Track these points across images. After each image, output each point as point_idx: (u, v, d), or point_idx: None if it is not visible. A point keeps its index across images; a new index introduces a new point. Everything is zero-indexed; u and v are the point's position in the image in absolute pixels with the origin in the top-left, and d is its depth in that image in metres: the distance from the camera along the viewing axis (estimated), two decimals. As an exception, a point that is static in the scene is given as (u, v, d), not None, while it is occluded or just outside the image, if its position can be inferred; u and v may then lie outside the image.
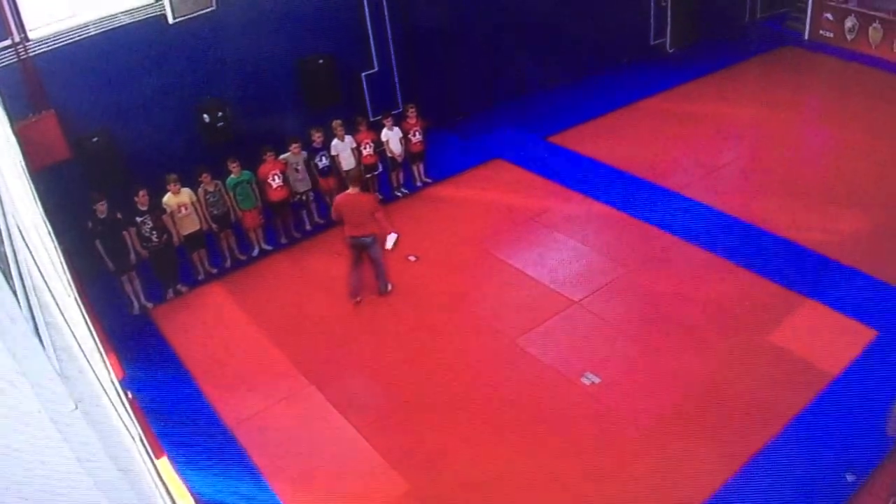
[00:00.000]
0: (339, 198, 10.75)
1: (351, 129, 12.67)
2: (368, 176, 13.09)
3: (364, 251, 10.74)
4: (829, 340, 9.59)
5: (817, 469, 7.82)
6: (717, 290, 10.69)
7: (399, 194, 13.70)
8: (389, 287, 11.08)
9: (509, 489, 7.99)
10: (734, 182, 13.60)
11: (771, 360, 9.32)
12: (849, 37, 18.30)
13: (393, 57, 14.75)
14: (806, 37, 19.16)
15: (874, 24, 17.69)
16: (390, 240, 11.59)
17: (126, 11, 11.61)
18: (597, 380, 9.20)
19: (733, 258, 11.20)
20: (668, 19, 18.73)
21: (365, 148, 12.80)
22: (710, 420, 8.57)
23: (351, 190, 10.65)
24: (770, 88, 17.15)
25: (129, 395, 7.44)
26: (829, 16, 18.62)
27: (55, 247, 7.55)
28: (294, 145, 11.97)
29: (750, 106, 16.33)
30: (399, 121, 13.29)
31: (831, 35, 18.66)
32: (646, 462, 8.14)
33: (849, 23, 18.23)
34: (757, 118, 15.83)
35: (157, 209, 10.92)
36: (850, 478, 7.70)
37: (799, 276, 10.68)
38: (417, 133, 13.32)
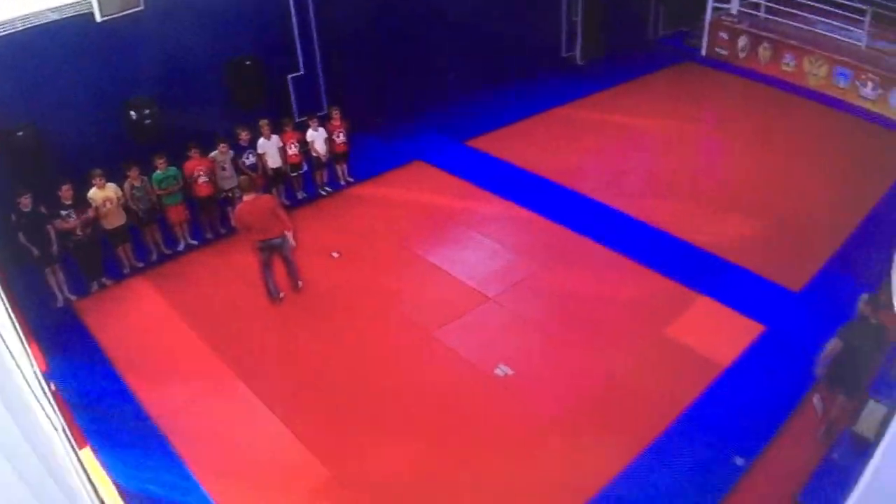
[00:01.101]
0: (239, 208, 10.28)
1: (277, 130, 12.52)
2: (294, 175, 13.03)
3: (275, 252, 10.43)
4: (720, 334, 9.90)
5: (710, 454, 8.04)
6: (621, 287, 10.91)
7: (323, 193, 13.58)
8: (300, 283, 10.87)
9: (427, 475, 7.99)
10: (637, 187, 13.90)
11: (668, 352, 9.55)
12: (741, 55, 18.94)
13: (318, 61, 14.62)
14: (703, 53, 19.75)
15: (764, 44, 18.36)
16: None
17: (53, 9, 11.14)
18: (510, 371, 9.27)
19: (636, 257, 11.44)
20: (579, 33, 19.06)
21: (290, 147, 12.67)
22: (613, 409, 8.74)
23: (247, 197, 10.16)
24: (670, 100, 17.61)
25: (52, 387, 7.19)
26: (724, 35, 19.24)
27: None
28: (222, 145, 11.74)
29: (652, 116, 16.72)
30: (324, 122, 13.17)
31: (726, 52, 19.28)
32: (552, 449, 8.24)
33: (741, 42, 18.87)
34: (658, 127, 16.23)
35: (81, 203, 10.54)
36: (738, 461, 7.95)
37: (694, 275, 10.97)
38: (341, 134, 13.23)
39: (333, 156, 13.44)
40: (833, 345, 7.71)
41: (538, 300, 10.72)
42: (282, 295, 10.74)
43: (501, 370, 9.30)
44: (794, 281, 10.78)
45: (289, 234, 10.33)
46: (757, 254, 11.43)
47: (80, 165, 10.79)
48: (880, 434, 7.12)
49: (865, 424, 7.63)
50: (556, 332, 10.07)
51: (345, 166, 13.82)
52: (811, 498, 7.18)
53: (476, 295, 10.76)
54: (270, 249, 10.35)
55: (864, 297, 7.85)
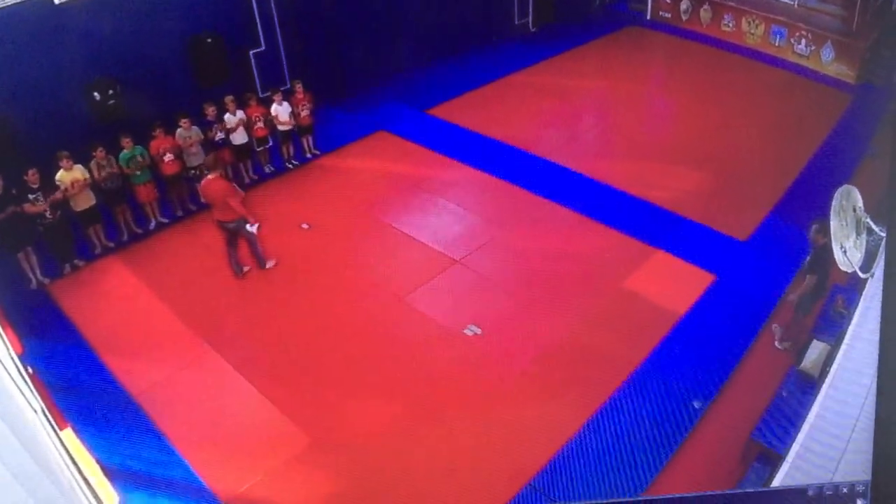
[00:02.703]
0: (202, 184, 10.32)
1: (241, 105, 12.20)
2: (260, 149, 12.73)
3: (233, 234, 10.27)
4: (675, 285, 9.92)
5: (670, 399, 8.12)
6: (579, 244, 10.86)
7: (290, 166, 13.28)
8: (269, 263, 10.59)
9: (403, 434, 7.95)
10: (592, 147, 13.84)
11: (627, 305, 9.57)
12: (684, 17, 18.83)
13: (279, 36, 14.22)
14: (648, 17, 19.59)
15: (705, 7, 18.24)
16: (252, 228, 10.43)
17: (10, -8, 10.68)
18: (479, 331, 9.21)
19: (593, 215, 11.37)
20: (531, 1, 18.82)
21: (256, 122, 12.36)
22: (577, 362, 8.73)
23: (210, 175, 10.07)
24: (618, 63, 17.46)
25: (30, 370, 6.95)
26: (667, -1, 19.13)
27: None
28: (184, 120, 11.38)
29: (602, 79, 16.59)
30: (287, 96, 12.86)
31: (669, 16, 19.15)
32: (522, 403, 8.24)
33: (683, 5, 18.73)
34: (608, 89, 16.12)
35: (49, 186, 10.20)
36: (696, 405, 8.04)
37: (647, 229, 10.95)
38: (305, 107, 12.94)
39: (298, 129, 13.13)
40: (808, 281, 7.84)
41: (502, 261, 10.63)
42: (245, 269, 10.52)
43: (471, 330, 9.23)
44: (741, 231, 10.83)
45: (250, 223, 10.16)
46: (705, 206, 11.44)
47: (46, 148, 10.40)
48: (824, 372, 7.25)
49: (809, 363, 7.74)
50: (520, 291, 10.00)
51: (310, 139, 13.52)
52: (764, 435, 7.26)
53: (443, 259, 10.64)
54: (227, 231, 10.21)
55: (815, 225, 7.93)
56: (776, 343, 8.82)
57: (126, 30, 11.92)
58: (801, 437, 4.16)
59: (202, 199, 10.48)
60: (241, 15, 13.59)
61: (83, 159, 10.60)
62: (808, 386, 7.54)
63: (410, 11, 15.98)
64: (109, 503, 6.83)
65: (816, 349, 7.90)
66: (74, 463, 4.68)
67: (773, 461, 6.74)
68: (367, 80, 15.76)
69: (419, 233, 11.25)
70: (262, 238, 10.46)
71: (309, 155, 13.57)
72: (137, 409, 8.37)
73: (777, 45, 16.87)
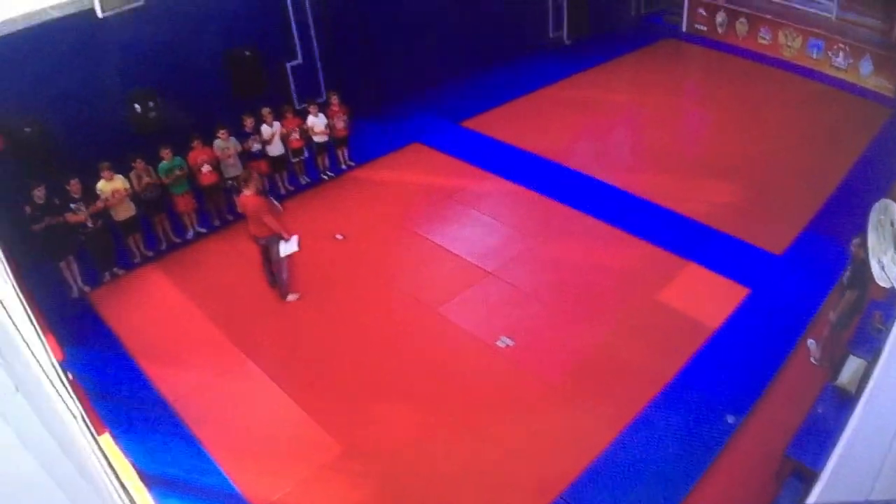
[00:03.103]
0: (239, 197, 10.32)
1: (278, 117, 12.36)
2: (296, 160, 12.88)
3: (266, 250, 10.18)
4: (708, 298, 9.85)
5: (702, 414, 8.03)
6: (612, 257, 10.83)
7: (325, 177, 13.43)
8: (291, 297, 10.32)
9: (433, 444, 7.94)
10: (625, 160, 13.84)
11: (660, 318, 9.51)
12: (720, 30, 18.76)
13: (316, 49, 14.44)
14: (683, 30, 19.57)
15: (741, 19, 18.18)
16: (285, 247, 9.95)
17: (55, 6, 10.94)
18: (511, 342, 9.20)
19: (626, 228, 11.36)
20: (565, 14, 18.88)
21: (292, 133, 12.51)
22: (609, 375, 8.69)
23: (245, 191, 9.87)
24: (653, 75, 17.47)
25: (70, 376, 7.10)
26: (702, 11, 19.04)
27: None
28: (222, 131, 11.54)
29: (637, 92, 16.61)
30: (323, 108, 12.99)
31: (705, 28, 19.10)
32: (553, 415, 8.20)
33: (719, 17, 18.67)
34: (642, 102, 16.12)
35: (90, 196, 10.37)
36: (730, 419, 7.94)
37: (681, 242, 10.91)
38: (341, 119, 13.05)
39: (334, 140, 13.27)
40: (848, 296, 7.76)
41: (535, 272, 10.62)
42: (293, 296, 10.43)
43: (503, 342, 9.22)
44: (776, 245, 10.74)
45: (284, 245, 9.89)
46: (740, 220, 11.38)
47: (88, 159, 10.60)
48: (860, 388, 7.11)
49: (847, 378, 7.61)
50: (553, 303, 9.98)
51: (345, 150, 13.66)
52: (799, 451, 7.14)
53: (476, 270, 10.66)
54: (258, 245, 10.18)
55: (857, 239, 7.84)
56: (812, 359, 8.70)
57: (166, 43, 12.19)
58: (836, 454, 4.09)
59: (241, 212, 10.53)
60: (279, 28, 13.82)
61: (123, 170, 10.77)
62: (844, 402, 7.41)
63: (445, 25, 16.14)
64: (145, 509, 6.93)
65: (853, 365, 7.76)
66: (112, 469, 4.76)
67: (808, 478, 6.63)
68: (402, 92, 15.91)
69: (452, 244, 11.28)
70: (294, 261, 10.27)
71: (344, 166, 13.70)
72: (173, 415, 8.47)
73: (814, 57, 16.73)
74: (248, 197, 9.86)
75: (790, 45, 17.24)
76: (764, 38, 17.78)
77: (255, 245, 10.23)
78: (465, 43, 16.80)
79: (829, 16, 16.72)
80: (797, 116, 14.76)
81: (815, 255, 10.43)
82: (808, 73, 16.63)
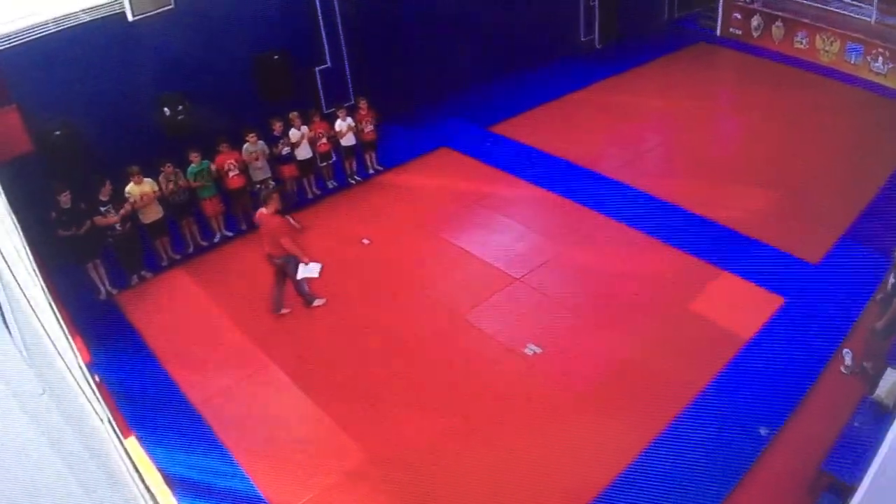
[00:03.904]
0: (256, 215, 10.07)
1: (306, 121, 12.44)
2: (323, 164, 12.96)
3: (281, 270, 10.03)
4: (742, 308, 9.72)
5: (735, 425, 7.91)
6: (643, 264, 10.74)
7: (353, 181, 13.49)
8: (317, 302, 10.31)
9: (457, 452, 7.92)
10: (657, 166, 13.73)
11: (692, 327, 9.40)
12: (755, 34, 18.58)
13: (344, 53, 14.51)
14: (718, 34, 19.41)
15: (777, 23, 17.98)
16: (304, 269, 9.82)
17: (86, 10, 11.13)
18: (539, 350, 9.16)
19: (657, 235, 11.25)
20: (597, 18, 18.80)
21: (320, 138, 12.59)
22: (640, 385, 8.59)
23: (265, 210, 9.78)
24: (687, 80, 17.33)
25: (97, 379, 7.18)
26: (737, 15, 18.87)
27: (20, 238, 7.23)
28: (251, 135, 11.66)
29: (669, 97, 16.46)
30: (351, 112, 13.08)
31: (740, 32, 18.92)
32: (582, 425, 8.12)
33: (755, 21, 18.49)
34: (675, 107, 15.98)
35: (119, 199, 10.51)
36: (763, 431, 7.83)
37: (715, 250, 10.77)
38: (369, 123, 13.12)
39: (362, 144, 13.34)
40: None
41: (564, 280, 10.57)
42: (285, 310, 10.26)
43: (531, 349, 9.19)
44: (812, 253, 10.56)
45: (303, 269, 9.76)
46: (775, 228, 11.22)
47: (117, 162, 10.75)
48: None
49: (884, 392, 7.48)
50: (582, 311, 9.92)
51: (373, 155, 13.72)
52: (834, 466, 7.03)
53: (504, 276, 10.63)
54: (274, 265, 10.01)
55: None
56: (842, 368, 8.54)
57: (196, 47, 12.33)
58: (873, 468, 4.02)
59: (258, 229, 10.25)
60: (308, 33, 13.92)
61: (152, 172, 10.91)
62: (881, 416, 7.29)
63: (474, 28, 16.14)
64: (170, 512, 6.99)
65: (891, 378, 7.62)
66: (138, 472, 4.80)
67: (843, 493, 6.52)
68: (431, 96, 15.94)
69: (480, 250, 11.27)
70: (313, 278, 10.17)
71: (371, 171, 13.76)
72: (199, 418, 8.54)
73: (853, 62, 16.51)
74: (266, 215, 9.78)
75: (828, 50, 17.03)
76: (801, 43, 17.58)
77: (268, 264, 10.05)
78: (494, 47, 16.80)
79: (868, 20, 16.50)
80: (834, 122, 14.55)
81: (852, 263, 10.25)
82: (847, 79, 16.39)
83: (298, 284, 10.10)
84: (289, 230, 9.92)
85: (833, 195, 11.99)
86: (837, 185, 12.26)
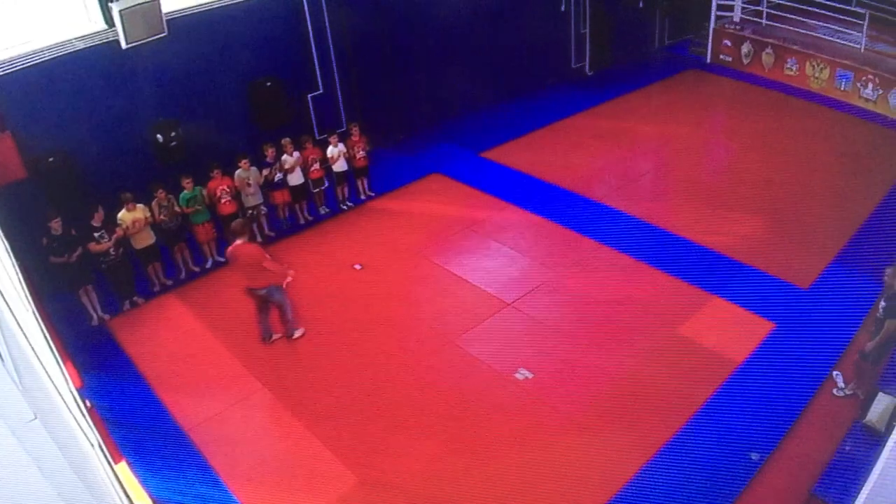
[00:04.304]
0: (229, 250, 9.68)
1: (298, 147, 12.55)
2: (316, 190, 13.04)
3: (263, 301, 9.90)
4: (732, 333, 9.75)
5: (725, 450, 7.94)
6: (635, 290, 10.79)
7: (345, 207, 13.58)
8: (297, 333, 10.21)
9: (449, 477, 7.94)
10: (648, 191, 13.85)
11: (682, 352, 9.43)
12: (745, 60, 18.80)
13: (337, 79, 14.65)
14: (708, 60, 19.63)
15: (767, 50, 18.21)
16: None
17: (80, 37, 11.24)
18: (529, 375, 9.20)
19: (648, 260, 11.33)
20: (587, 44, 19.02)
21: (312, 164, 12.69)
22: (630, 410, 8.61)
23: (238, 241, 9.48)
24: (677, 107, 17.51)
25: (88, 404, 7.21)
26: (727, 42, 19.10)
27: (12, 263, 7.27)
28: (243, 161, 11.75)
29: (660, 123, 16.63)
30: (344, 138, 13.20)
31: (730, 59, 19.15)
32: (572, 450, 8.15)
33: (745, 48, 18.72)
34: (666, 133, 16.13)
35: (112, 225, 10.55)
36: (754, 457, 7.85)
37: (705, 275, 10.83)
38: (361, 150, 13.23)
39: (354, 171, 13.44)
40: (888, 327, 7.71)
41: (555, 305, 10.63)
42: (276, 336, 10.21)
43: (521, 374, 9.23)
44: (803, 279, 10.63)
45: (289, 275, 9.76)
46: (765, 253, 11.28)
47: (110, 188, 10.84)
48: (891, 425, 7.04)
49: (876, 416, 7.54)
50: (573, 336, 9.97)
51: (365, 181, 13.81)
52: (826, 490, 7.08)
53: (495, 301, 10.69)
54: (256, 298, 9.84)
55: (890, 269, 7.82)
56: (834, 390, 8.59)
57: (189, 74, 12.49)
58: (864, 494, 4.06)
59: (230, 265, 9.95)
60: (300, 60, 14.07)
61: (145, 198, 10.97)
62: (872, 440, 7.34)
63: (466, 55, 16.34)
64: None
65: (882, 402, 7.68)
66: (128, 497, 4.82)
67: (834, 518, 6.58)
68: (423, 122, 16.10)
69: (471, 275, 11.34)
70: (306, 293, 10.40)
71: (363, 197, 13.85)
72: (189, 444, 8.54)
73: (843, 89, 16.71)
74: (243, 246, 9.53)
75: (818, 77, 17.25)
76: (791, 70, 17.80)
77: (250, 299, 9.91)
78: (486, 73, 16.98)
79: (857, 46, 16.73)
80: (825, 148, 14.71)
81: (842, 288, 10.31)
82: (837, 105, 16.58)
83: (284, 313, 10.00)
84: (266, 254, 9.71)
85: (823, 220, 12.09)
86: (827, 211, 12.36)
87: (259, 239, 12.48)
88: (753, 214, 12.51)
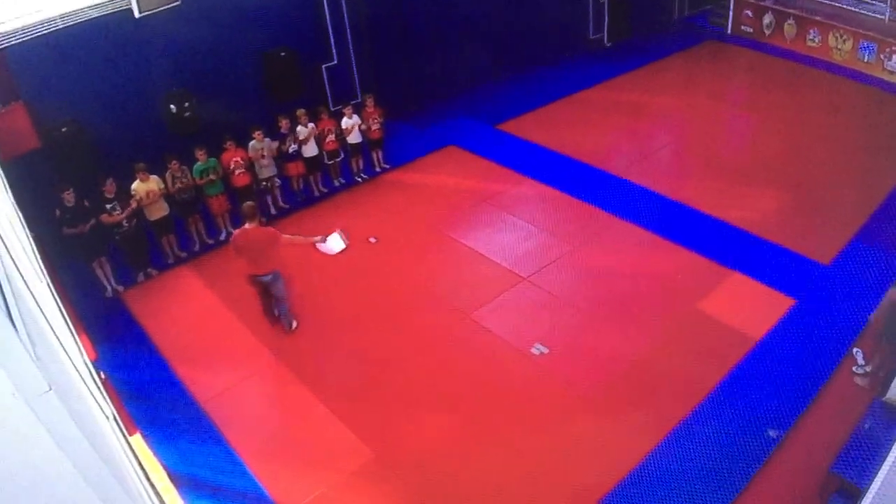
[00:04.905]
0: (236, 234, 9.35)
1: (313, 118, 12.47)
2: (330, 162, 12.98)
3: (266, 288, 9.52)
4: (752, 309, 9.69)
5: (743, 427, 7.90)
6: (653, 265, 10.73)
7: (359, 179, 13.52)
8: (294, 325, 9.86)
9: (466, 452, 7.92)
10: (666, 165, 13.72)
11: (701, 328, 9.38)
12: (766, 32, 18.52)
13: (351, 50, 14.55)
14: (728, 32, 19.37)
15: (789, 21, 17.92)
16: (329, 245, 9.64)
17: (93, 6, 11.15)
18: (545, 350, 9.16)
19: (666, 235, 11.24)
20: (606, 16, 18.79)
21: (327, 135, 12.61)
22: (647, 385, 8.59)
23: (247, 225, 9.12)
24: (697, 79, 17.32)
25: (102, 376, 7.24)
26: (748, 13, 18.82)
27: (27, 234, 7.27)
28: (257, 132, 11.67)
29: (679, 95, 16.46)
30: (358, 110, 13.09)
31: (751, 30, 18.87)
32: (589, 426, 8.13)
33: (766, 19, 18.43)
34: (685, 106, 15.97)
35: (125, 197, 10.53)
36: (771, 434, 7.80)
37: (725, 250, 10.76)
38: (376, 121, 13.12)
39: (368, 143, 13.37)
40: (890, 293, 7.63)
41: (572, 279, 10.56)
42: (295, 325, 9.93)
43: (537, 349, 9.19)
44: (824, 254, 10.53)
45: (333, 240, 9.53)
46: (786, 228, 11.19)
47: (123, 159, 10.81)
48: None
49: (895, 394, 7.45)
50: (590, 311, 9.92)
51: (380, 153, 13.74)
52: (844, 468, 7.00)
53: (511, 276, 10.64)
54: (260, 285, 9.47)
55: None
56: (854, 368, 8.51)
57: (202, 43, 12.40)
58: (883, 472, 4.01)
59: (234, 252, 9.44)
60: (315, 30, 13.96)
61: (158, 169, 10.93)
62: (892, 418, 7.27)
63: (483, 26, 16.17)
64: (174, 510, 7.03)
65: (903, 380, 7.60)
66: (142, 469, 4.83)
67: (853, 496, 6.51)
68: (438, 94, 15.99)
69: (487, 249, 11.28)
70: (316, 273, 10.28)
71: (378, 169, 13.78)
72: (204, 416, 8.58)
73: (866, 61, 16.45)
74: (252, 230, 9.17)
75: (840, 48, 16.97)
76: (813, 41, 17.52)
77: (252, 288, 9.58)
78: (502, 45, 16.81)
79: (881, 17, 16.44)
80: (847, 121, 14.51)
81: (864, 264, 10.22)
82: (859, 77, 16.34)
83: (283, 304, 9.70)
84: (279, 234, 9.39)
85: (845, 195, 11.96)
86: (849, 185, 12.22)
87: (273, 211, 12.47)
88: (774, 188, 12.39)
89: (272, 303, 9.77)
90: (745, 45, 18.68)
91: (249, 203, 9.49)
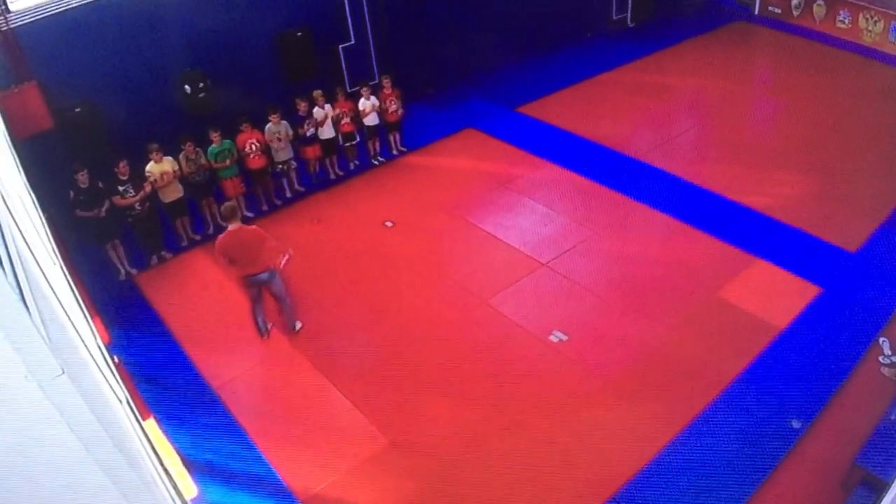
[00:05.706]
0: (220, 239, 8.90)
1: (330, 99, 12.43)
2: (347, 144, 12.95)
3: (263, 287, 9.27)
4: (777, 297, 9.61)
5: (767, 417, 7.86)
6: (675, 251, 10.66)
7: (376, 162, 13.49)
8: (298, 326, 9.67)
9: (481, 438, 7.93)
10: (690, 149, 13.58)
11: (724, 316, 9.32)
12: (795, 12, 18.26)
13: (369, 30, 14.45)
14: (756, 12, 19.11)
15: (818, 1, 17.66)
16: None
17: (106, -15, 11.19)
18: (564, 337, 9.13)
19: (690, 221, 11.15)
20: (629, -5, 18.60)
21: (343, 117, 12.57)
22: (669, 374, 8.55)
23: (231, 227, 8.82)
24: (722, 61, 17.08)
25: (116, 360, 7.26)
26: (777, -8, 18.58)
27: (40, 216, 7.31)
28: (273, 115, 11.64)
29: (704, 77, 16.25)
30: (376, 91, 13.04)
31: (779, 11, 18.61)
32: (608, 414, 8.10)
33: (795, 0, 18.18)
34: (710, 89, 15.77)
35: (138, 178, 10.56)
36: (795, 424, 7.75)
37: (749, 237, 10.67)
38: (393, 103, 13.07)
39: (386, 125, 13.32)
40: None
41: (592, 265, 10.51)
42: (270, 325, 9.67)
43: (556, 336, 9.16)
44: (851, 241, 10.43)
45: (282, 259, 9.12)
46: (812, 215, 11.07)
47: (137, 140, 10.80)
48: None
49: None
50: (610, 298, 9.86)
51: (397, 135, 13.69)
52: (869, 460, 6.95)
53: (529, 261, 10.59)
54: (257, 285, 9.18)
55: None
56: (880, 358, 8.42)
57: (218, 23, 12.36)
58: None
59: (221, 258, 8.98)
60: (332, 9, 13.87)
61: (172, 151, 10.95)
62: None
63: (503, 5, 16.02)
64: (188, 495, 7.07)
65: (931, 371, 7.54)
66: (156, 453, 4.85)
67: (878, 488, 6.46)
68: (457, 76, 15.89)
69: (506, 234, 11.24)
70: (340, 250, 10.21)
71: (395, 151, 13.74)
72: (218, 401, 8.63)
73: (898, 43, 16.20)
74: (242, 229, 8.89)
75: (871, 30, 16.72)
76: (843, 22, 17.27)
77: (243, 290, 9.35)
78: (522, 25, 16.65)
79: (914, -2, 16.19)
80: (876, 105, 14.28)
81: (891, 252, 10.12)
82: (890, 60, 16.09)
83: (284, 301, 9.51)
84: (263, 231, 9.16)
85: (873, 182, 11.80)
86: (878, 172, 12.05)
87: (289, 194, 12.48)
88: (800, 174, 12.25)
89: (261, 309, 9.48)
90: (772, 26, 18.43)
91: (229, 204, 9.38)
